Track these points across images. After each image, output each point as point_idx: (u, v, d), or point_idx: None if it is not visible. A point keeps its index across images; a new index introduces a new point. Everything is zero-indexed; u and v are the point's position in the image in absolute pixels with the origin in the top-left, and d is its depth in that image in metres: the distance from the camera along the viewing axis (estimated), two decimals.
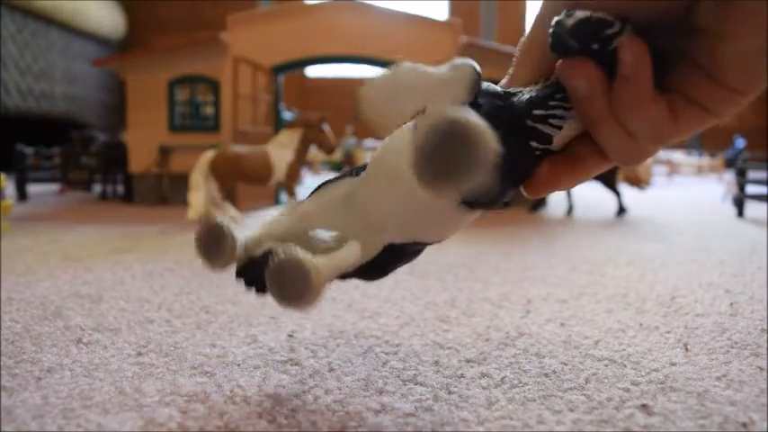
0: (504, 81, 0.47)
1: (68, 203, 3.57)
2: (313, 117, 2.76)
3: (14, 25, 7.77)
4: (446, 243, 1.94)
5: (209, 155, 2.62)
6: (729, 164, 7.97)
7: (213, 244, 0.62)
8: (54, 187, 4.67)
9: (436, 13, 10.27)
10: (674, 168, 7.88)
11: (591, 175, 0.46)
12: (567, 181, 0.45)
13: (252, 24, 3.54)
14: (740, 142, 9.28)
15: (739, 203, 2.93)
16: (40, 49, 8.30)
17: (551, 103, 0.43)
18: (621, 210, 2.89)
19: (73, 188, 4.30)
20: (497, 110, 0.44)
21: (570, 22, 0.39)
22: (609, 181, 2.92)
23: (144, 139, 3.51)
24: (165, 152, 3.48)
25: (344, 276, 0.58)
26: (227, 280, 1.34)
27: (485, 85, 0.45)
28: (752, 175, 3.12)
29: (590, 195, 3.80)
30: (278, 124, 3.71)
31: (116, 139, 4.41)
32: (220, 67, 3.42)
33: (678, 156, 8.83)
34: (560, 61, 0.40)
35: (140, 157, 3.54)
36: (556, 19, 0.40)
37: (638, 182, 3.21)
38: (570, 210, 2.99)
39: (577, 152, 0.45)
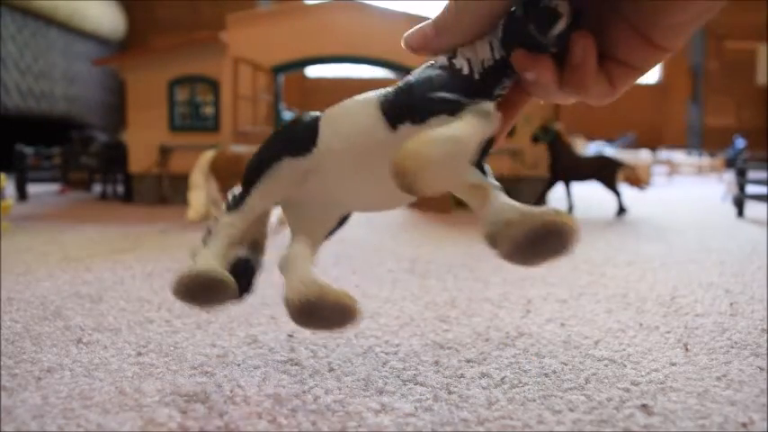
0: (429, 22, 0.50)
1: (68, 203, 3.57)
2: None
3: (14, 25, 7.77)
4: (446, 243, 1.94)
5: (209, 155, 2.62)
6: (729, 164, 7.96)
7: (210, 295, 0.61)
8: (54, 187, 4.67)
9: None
10: (674, 168, 7.88)
11: (519, 117, 0.53)
12: (504, 129, 0.51)
13: (252, 24, 3.54)
14: (740, 142, 9.27)
15: (739, 203, 2.93)
16: (40, 49, 8.30)
17: (505, 83, 0.49)
18: (621, 210, 2.89)
19: (73, 188, 4.30)
20: (467, 83, 0.49)
21: (523, 13, 0.43)
22: (609, 181, 2.92)
23: (144, 139, 3.51)
24: (165, 152, 3.48)
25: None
26: None
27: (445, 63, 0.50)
28: (752, 175, 3.12)
29: (590, 195, 3.81)
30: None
31: (116, 139, 4.41)
32: (220, 67, 3.42)
33: (678, 156, 8.83)
34: (517, 54, 0.45)
35: (140, 157, 3.54)
36: (511, 12, 0.44)
37: (638, 182, 3.21)
38: (570, 210, 2.99)
39: (509, 98, 0.51)
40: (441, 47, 0.49)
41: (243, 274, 0.66)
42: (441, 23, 0.48)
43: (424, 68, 0.52)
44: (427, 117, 0.48)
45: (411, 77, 0.52)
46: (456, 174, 0.47)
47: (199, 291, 0.60)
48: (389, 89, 0.54)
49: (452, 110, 0.47)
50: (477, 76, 0.49)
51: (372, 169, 0.53)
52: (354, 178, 0.56)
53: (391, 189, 0.47)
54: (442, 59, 0.51)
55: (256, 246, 0.70)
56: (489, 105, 0.47)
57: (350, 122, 0.54)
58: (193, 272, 0.60)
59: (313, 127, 0.57)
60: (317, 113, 0.59)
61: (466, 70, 0.49)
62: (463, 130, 0.45)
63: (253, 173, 0.61)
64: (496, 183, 0.50)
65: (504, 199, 0.49)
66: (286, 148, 0.59)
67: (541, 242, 0.45)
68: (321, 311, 0.57)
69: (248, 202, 0.62)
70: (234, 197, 0.64)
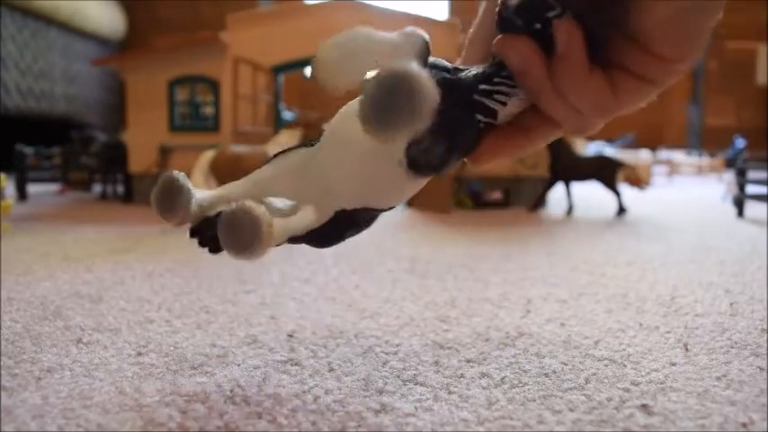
0: (458, 62, 0.50)
1: (68, 203, 3.57)
2: (313, 117, 2.77)
3: (14, 25, 7.77)
4: (446, 243, 1.94)
5: (209, 155, 2.62)
6: (729, 164, 7.96)
7: (169, 197, 0.60)
8: (54, 187, 4.67)
9: (436, 13, 10.27)
10: (674, 168, 7.88)
11: (537, 144, 0.50)
12: (508, 150, 0.48)
13: (252, 24, 3.54)
14: (740, 142, 9.27)
15: (739, 203, 2.93)
16: (40, 49, 8.29)
17: (496, 79, 0.46)
18: (621, 210, 2.89)
19: (73, 188, 4.30)
20: (445, 81, 0.46)
21: (514, 2, 0.43)
22: (609, 181, 2.92)
23: (144, 139, 3.51)
24: (165, 152, 3.48)
25: (295, 240, 0.58)
26: (228, 280, 1.34)
27: (434, 59, 0.48)
28: (752, 175, 3.11)
29: (590, 195, 3.80)
30: (278, 124, 3.71)
31: (116, 139, 4.41)
32: (220, 67, 3.41)
33: (678, 156, 8.83)
34: (497, 38, 0.44)
35: (140, 157, 3.54)
36: (502, 0, 0.44)
37: (638, 182, 3.21)
38: (570, 210, 2.99)
39: (526, 123, 0.48)
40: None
41: (212, 233, 0.61)
42: (464, 59, 0.49)
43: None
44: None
45: None
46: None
47: (163, 191, 0.60)
48: None
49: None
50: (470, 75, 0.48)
51: (365, 168, 0.53)
52: (347, 171, 0.55)
53: (379, 186, 0.50)
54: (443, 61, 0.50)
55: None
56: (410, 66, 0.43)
57: (346, 120, 0.55)
58: (168, 176, 0.60)
59: None
60: None
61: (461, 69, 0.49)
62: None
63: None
64: None
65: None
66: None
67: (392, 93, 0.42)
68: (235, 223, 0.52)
69: (257, 171, 0.63)
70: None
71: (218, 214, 0.58)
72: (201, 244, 0.64)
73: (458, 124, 0.47)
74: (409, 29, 0.47)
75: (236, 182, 0.63)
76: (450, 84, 0.47)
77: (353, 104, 0.52)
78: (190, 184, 0.60)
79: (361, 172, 0.53)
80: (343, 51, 0.47)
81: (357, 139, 0.47)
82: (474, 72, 0.47)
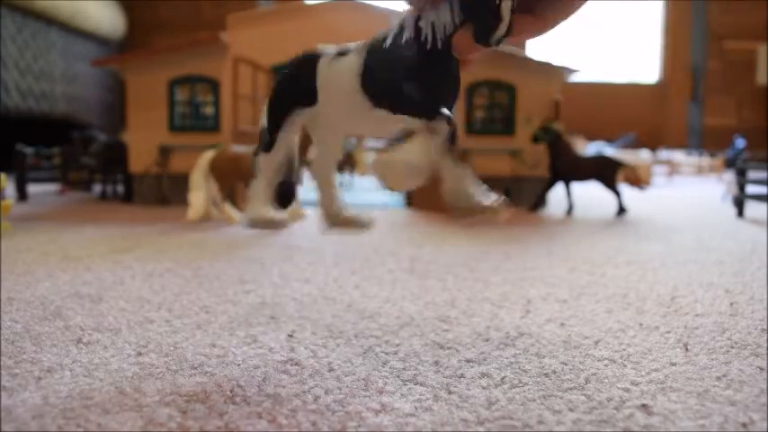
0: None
1: (68, 203, 3.57)
2: None
3: (14, 25, 7.77)
4: (446, 243, 1.94)
5: (209, 155, 2.62)
6: (729, 164, 7.96)
7: (270, 226, 0.85)
8: (54, 187, 4.67)
9: None
10: (674, 168, 7.88)
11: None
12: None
13: (252, 24, 3.54)
14: (740, 142, 9.27)
15: (739, 203, 2.93)
16: (40, 49, 8.30)
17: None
18: (621, 210, 2.89)
19: (73, 188, 4.30)
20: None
21: None
22: (609, 181, 2.92)
23: (144, 139, 3.51)
24: (165, 152, 3.48)
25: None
26: (227, 280, 1.34)
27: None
28: (752, 175, 3.11)
29: (590, 195, 3.81)
30: None
31: (116, 139, 4.41)
32: (220, 67, 3.41)
33: (678, 156, 8.83)
34: (460, 37, 0.61)
35: (140, 157, 3.53)
36: None
37: (638, 182, 3.21)
38: (570, 210, 2.99)
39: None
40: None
41: (286, 192, 0.90)
42: None
43: (395, 33, 0.66)
44: (399, 112, 0.66)
45: (384, 42, 0.67)
46: (411, 183, 0.67)
47: (261, 226, 0.85)
48: (367, 50, 0.69)
49: (419, 115, 0.64)
50: (439, 45, 0.62)
51: (359, 119, 0.73)
52: (347, 120, 0.76)
53: (373, 125, 0.71)
54: (410, 22, 0.64)
55: (290, 166, 0.91)
56: (443, 125, 0.63)
57: (338, 90, 0.72)
58: (253, 218, 0.84)
59: (312, 83, 0.76)
60: (313, 55, 0.78)
61: (430, 39, 0.62)
62: (417, 155, 0.64)
63: (273, 122, 0.83)
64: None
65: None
66: (295, 102, 0.80)
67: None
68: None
69: (276, 145, 0.83)
70: (264, 142, 0.85)
71: (280, 185, 0.88)
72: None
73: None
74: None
75: (267, 160, 0.85)
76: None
77: (348, 94, 0.71)
78: (276, 216, 0.86)
79: (352, 110, 0.72)
80: (401, 174, 0.66)
81: (339, 94, 0.72)
82: (447, 38, 0.62)
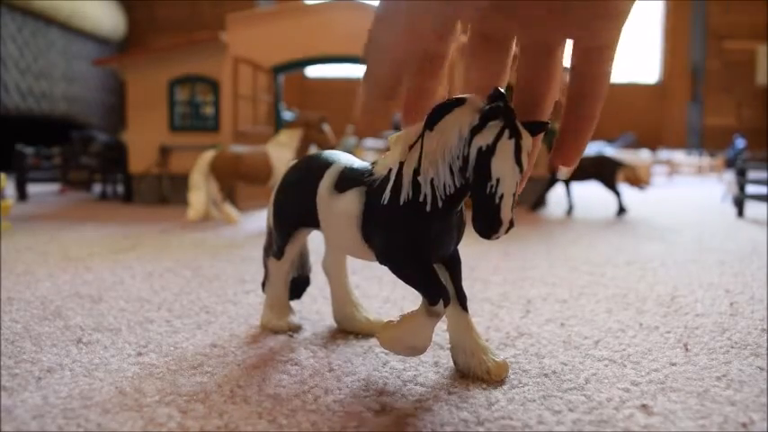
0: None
1: (68, 203, 3.57)
2: (313, 117, 2.76)
3: (14, 25, 7.77)
4: None
5: (209, 155, 2.62)
6: (729, 164, 7.96)
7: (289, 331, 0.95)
8: (54, 187, 4.67)
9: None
10: (674, 168, 7.88)
11: None
12: None
13: (251, 24, 3.54)
14: (740, 142, 9.28)
15: (739, 203, 2.93)
16: (40, 49, 8.30)
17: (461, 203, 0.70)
18: (621, 210, 2.89)
19: (73, 188, 4.30)
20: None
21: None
22: (609, 181, 2.92)
23: (144, 139, 3.51)
24: (165, 152, 3.48)
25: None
26: (227, 280, 1.34)
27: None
28: (752, 175, 3.12)
29: (590, 195, 3.81)
30: (278, 124, 3.71)
31: (116, 139, 4.41)
32: (220, 67, 3.41)
33: (678, 156, 8.83)
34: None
35: (140, 158, 3.53)
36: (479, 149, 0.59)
37: (638, 182, 3.21)
38: (570, 210, 2.99)
39: None
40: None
41: (298, 286, 1.00)
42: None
43: (392, 184, 0.67)
44: (402, 280, 0.72)
45: (383, 193, 0.69)
46: (414, 355, 0.74)
47: (276, 332, 0.94)
48: (366, 191, 0.72)
49: (422, 294, 0.70)
50: (440, 205, 0.64)
51: (361, 252, 0.77)
52: (348, 250, 0.81)
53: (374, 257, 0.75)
54: (407, 179, 0.65)
55: (303, 264, 1.00)
56: (440, 309, 0.70)
57: (337, 227, 0.77)
58: (266, 326, 0.95)
59: (313, 209, 0.80)
60: (314, 165, 0.82)
61: (429, 200, 0.64)
62: (416, 332, 0.70)
63: (280, 235, 0.90)
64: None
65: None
66: (300, 223, 0.86)
67: None
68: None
69: (285, 253, 0.91)
70: (275, 250, 0.92)
71: (293, 280, 0.97)
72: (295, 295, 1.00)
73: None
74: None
75: (280, 265, 0.93)
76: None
77: (335, 206, 0.76)
78: (293, 325, 0.96)
79: (343, 238, 0.77)
80: (401, 347, 0.73)
81: (339, 230, 0.76)
82: (448, 198, 0.65)
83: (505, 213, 0.56)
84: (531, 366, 0.79)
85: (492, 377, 0.72)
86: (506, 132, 0.56)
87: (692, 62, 11.60)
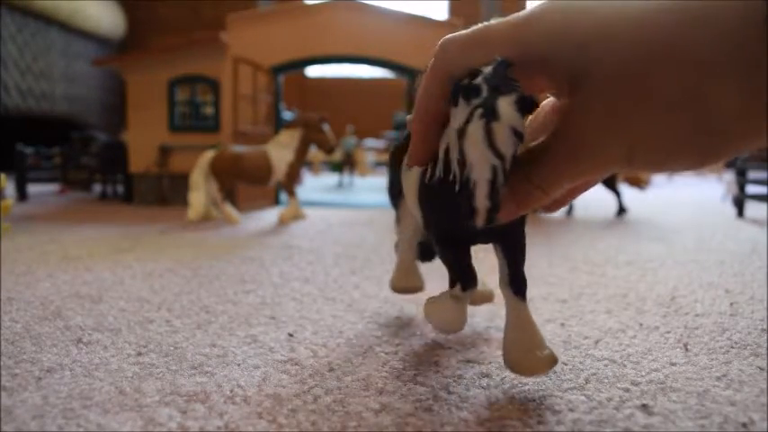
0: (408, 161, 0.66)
1: (68, 203, 3.57)
2: (313, 117, 2.76)
3: (14, 25, 7.77)
4: None
5: (209, 155, 2.62)
6: (729, 164, 7.95)
7: (414, 291, 1.05)
8: (54, 187, 4.67)
9: (436, 13, 10.27)
10: None
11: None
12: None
13: (251, 24, 3.54)
14: None
15: (739, 203, 2.93)
16: (40, 49, 8.30)
17: None
18: (621, 210, 2.89)
19: (73, 188, 4.30)
20: None
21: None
22: (609, 181, 2.92)
23: (144, 139, 3.51)
24: (165, 152, 3.48)
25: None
26: (227, 280, 1.34)
27: None
28: (752, 175, 3.12)
29: (590, 195, 3.80)
30: (278, 124, 3.71)
31: (116, 140, 4.41)
32: (220, 67, 3.42)
33: None
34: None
35: (140, 158, 3.54)
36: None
37: (638, 182, 3.21)
38: (570, 210, 2.99)
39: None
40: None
41: (427, 250, 1.02)
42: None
43: (441, 157, 0.64)
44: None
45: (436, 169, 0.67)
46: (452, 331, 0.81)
47: (405, 293, 1.04)
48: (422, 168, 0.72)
49: (452, 275, 0.81)
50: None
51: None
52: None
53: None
54: (441, 154, 0.64)
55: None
56: (457, 291, 0.78)
57: (409, 197, 0.80)
58: (396, 287, 1.03)
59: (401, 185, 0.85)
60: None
61: (458, 179, 0.60)
62: (441, 311, 0.79)
63: (391, 201, 0.99)
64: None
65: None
66: (399, 192, 0.91)
67: None
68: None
69: (401, 219, 0.98)
70: (396, 215, 1.00)
71: (419, 245, 1.01)
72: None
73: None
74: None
75: (402, 229, 1.00)
76: None
77: (407, 178, 0.79)
78: (419, 283, 1.04)
79: (412, 208, 0.81)
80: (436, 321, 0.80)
81: (409, 198, 0.79)
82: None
83: (479, 200, 0.51)
84: None
85: (542, 373, 0.70)
86: (477, 112, 0.49)
87: None
